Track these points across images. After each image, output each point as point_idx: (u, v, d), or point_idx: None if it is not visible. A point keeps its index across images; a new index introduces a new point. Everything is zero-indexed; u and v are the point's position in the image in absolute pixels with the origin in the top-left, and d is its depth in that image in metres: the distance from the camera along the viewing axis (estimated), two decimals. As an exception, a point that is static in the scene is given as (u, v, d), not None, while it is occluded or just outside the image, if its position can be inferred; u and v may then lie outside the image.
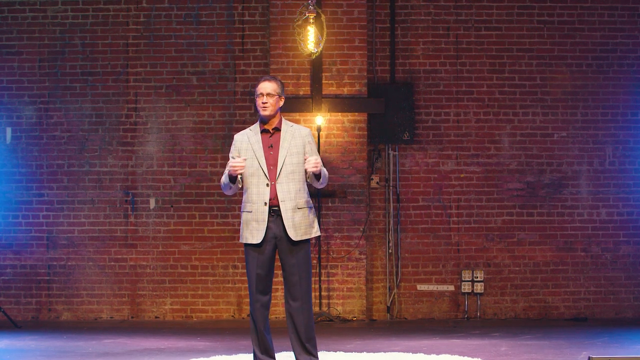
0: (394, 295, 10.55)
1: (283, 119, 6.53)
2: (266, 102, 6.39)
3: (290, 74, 10.45)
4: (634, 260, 10.61)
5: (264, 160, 6.37)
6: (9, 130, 10.69)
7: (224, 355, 7.77)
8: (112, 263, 10.64)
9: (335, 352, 7.87)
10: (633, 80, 10.66)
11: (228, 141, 10.62)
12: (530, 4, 10.68)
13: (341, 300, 10.38)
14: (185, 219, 10.65)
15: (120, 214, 10.66)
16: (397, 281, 10.58)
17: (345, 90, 10.42)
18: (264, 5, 10.64)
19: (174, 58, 10.72)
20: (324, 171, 6.46)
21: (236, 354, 7.86)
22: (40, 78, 10.71)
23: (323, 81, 10.41)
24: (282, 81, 10.36)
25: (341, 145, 10.41)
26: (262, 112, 6.41)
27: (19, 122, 10.70)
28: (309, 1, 9.52)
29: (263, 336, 6.45)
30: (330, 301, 10.36)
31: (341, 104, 10.40)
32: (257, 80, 6.51)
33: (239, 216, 10.59)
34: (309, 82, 10.43)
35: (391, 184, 10.62)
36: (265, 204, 6.33)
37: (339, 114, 10.41)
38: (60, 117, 10.70)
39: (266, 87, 6.41)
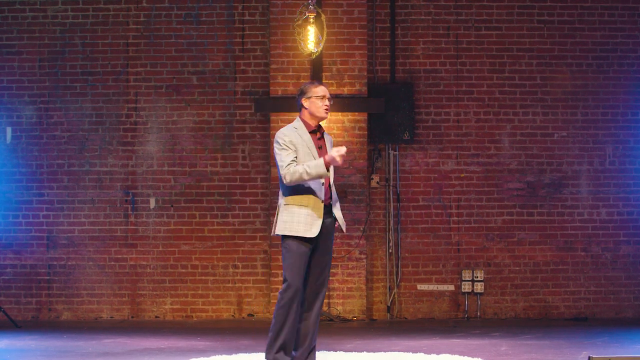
0: (394, 295, 10.55)
1: None
2: (328, 106, 6.57)
3: (290, 73, 10.45)
4: (634, 260, 10.61)
5: None
6: (9, 130, 10.69)
7: (224, 355, 7.77)
8: (112, 263, 10.64)
9: (336, 351, 7.87)
10: (633, 80, 10.66)
11: (228, 141, 10.64)
12: (530, 4, 10.68)
13: (341, 300, 10.38)
14: (185, 218, 10.65)
15: (121, 213, 10.66)
16: (397, 281, 10.58)
17: (346, 90, 10.42)
18: (264, 5, 10.64)
19: (174, 58, 10.71)
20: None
21: (236, 353, 7.86)
22: (40, 78, 10.70)
23: (323, 81, 10.41)
24: (283, 81, 10.46)
25: (341, 145, 10.38)
26: (324, 115, 6.59)
27: (19, 122, 10.70)
28: (309, 1, 9.52)
29: (294, 331, 6.43)
30: (331, 301, 10.36)
31: (341, 103, 10.40)
32: (310, 84, 6.57)
33: (238, 216, 10.60)
34: (309, 81, 10.42)
35: (391, 184, 10.62)
36: (322, 202, 6.47)
37: (339, 113, 10.41)
38: (61, 116, 10.70)
39: (327, 90, 6.59)
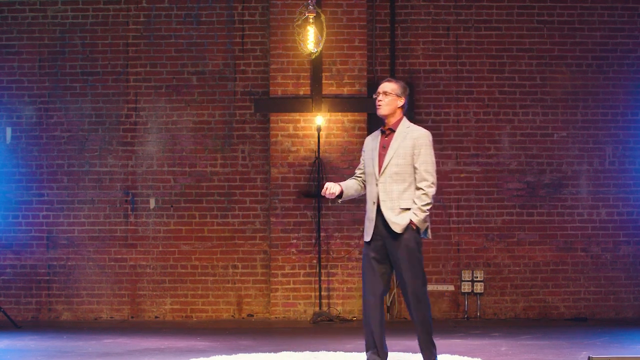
0: (393, 295, 10.54)
1: (404, 121, 6.44)
2: (381, 100, 6.37)
3: (290, 74, 10.45)
4: (634, 260, 10.61)
5: (376, 161, 6.40)
6: (9, 130, 10.69)
7: (224, 355, 7.77)
8: (112, 263, 10.64)
9: (335, 352, 7.87)
10: (633, 80, 10.66)
11: (228, 141, 10.64)
12: (530, 4, 10.68)
13: (341, 300, 10.37)
14: (185, 219, 10.65)
15: (120, 214, 10.66)
16: (397, 281, 10.56)
17: (345, 90, 10.42)
18: (264, 5, 10.64)
19: (174, 58, 10.71)
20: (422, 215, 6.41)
21: (236, 354, 7.86)
22: (40, 78, 10.70)
23: (323, 81, 10.41)
24: (283, 81, 10.45)
25: (341, 145, 10.41)
26: (377, 112, 6.43)
27: (19, 122, 10.70)
28: (309, 1, 9.52)
29: (373, 331, 6.49)
30: (330, 301, 10.36)
31: (341, 103, 10.40)
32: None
33: (238, 216, 10.62)
34: (309, 82, 10.43)
35: (391, 184, 10.60)
36: (374, 203, 6.38)
37: (339, 113, 10.41)
38: (60, 117, 10.70)
39: (384, 86, 6.40)
